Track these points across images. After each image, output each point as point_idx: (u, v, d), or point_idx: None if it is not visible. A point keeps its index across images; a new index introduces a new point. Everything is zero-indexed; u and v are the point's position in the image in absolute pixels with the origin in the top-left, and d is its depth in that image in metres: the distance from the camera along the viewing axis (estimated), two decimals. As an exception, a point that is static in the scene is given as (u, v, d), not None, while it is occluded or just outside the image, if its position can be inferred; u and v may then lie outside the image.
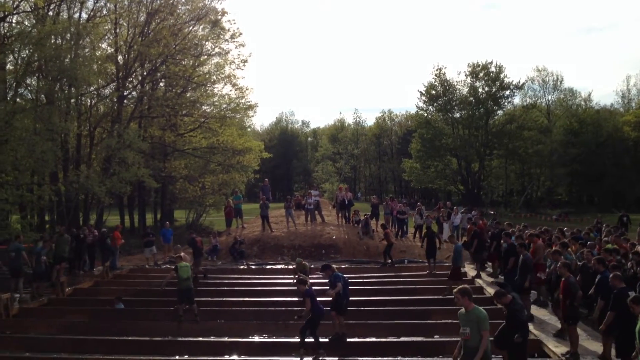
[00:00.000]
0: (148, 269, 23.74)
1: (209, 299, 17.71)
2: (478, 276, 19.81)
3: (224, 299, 17.88)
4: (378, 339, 13.61)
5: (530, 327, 13.53)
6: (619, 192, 66.43)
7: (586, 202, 70.32)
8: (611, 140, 67.47)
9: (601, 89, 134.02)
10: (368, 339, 13.65)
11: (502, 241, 18.36)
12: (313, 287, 13.30)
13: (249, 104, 38.23)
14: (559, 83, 77.44)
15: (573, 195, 73.77)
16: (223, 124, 37.70)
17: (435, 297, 17.43)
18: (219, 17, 35.86)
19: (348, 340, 13.12)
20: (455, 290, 9.14)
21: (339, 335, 12.92)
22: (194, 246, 21.44)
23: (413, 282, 19.91)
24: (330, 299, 13.13)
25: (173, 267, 16.59)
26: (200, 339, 14.03)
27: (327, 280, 13.72)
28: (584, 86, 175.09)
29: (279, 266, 23.79)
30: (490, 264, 21.09)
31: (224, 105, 37.95)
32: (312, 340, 12.45)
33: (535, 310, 14.75)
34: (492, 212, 39.88)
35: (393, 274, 21.53)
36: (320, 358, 12.17)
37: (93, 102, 33.26)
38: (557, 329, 12.85)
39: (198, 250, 21.48)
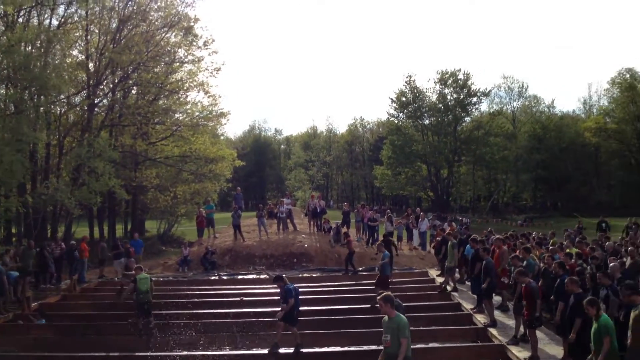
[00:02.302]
0: (117, 281, 23.53)
1: (179, 311, 17.63)
2: (455, 290, 19.27)
3: (195, 311, 17.77)
4: (347, 348, 13.86)
5: (494, 332, 13.99)
6: (581, 197, 68.04)
7: (550, 207, 71.75)
8: (573, 146, 69.16)
9: (564, 95, 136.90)
10: (336, 348, 13.87)
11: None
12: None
13: (221, 111, 38.15)
14: (524, 90, 79.32)
15: (537, 201, 75.34)
16: (195, 132, 37.43)
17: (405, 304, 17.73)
18: (192, 23, 35.61)
19: (317, 350, 13.34)
20: (378, 297, 9.29)
21: (277, 345, 13.03)
22: (128, 256, 21.43)
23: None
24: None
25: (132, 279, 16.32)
26: (171, 353, 13.91)
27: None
28: (548, 93, 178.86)
29: (250, 276, 23.90)
30: (457, 269, 21.45)
31: (197, 113, 37.70)
32: None
33: (498, 315, 15.11)
34: (463, 219, 40.44)
35: (363, 281, 21.76)
36: None
37: (63, 111, 32.87)
38: (520, 334, 13.20)
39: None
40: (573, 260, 15.43)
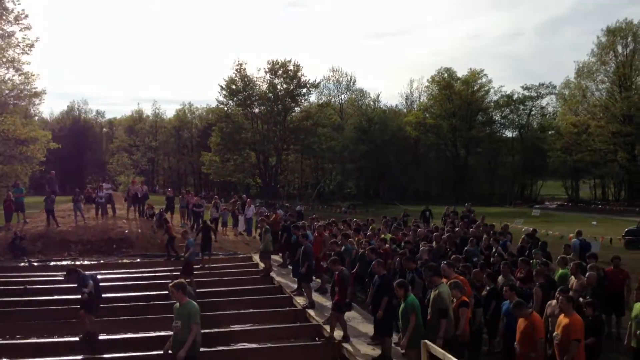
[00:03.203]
0: None
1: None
2: (267, 273, 19.72)
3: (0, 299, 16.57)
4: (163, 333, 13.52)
5: (312, 313, 14.46)
6: (401, 186, 72.83)
7: (372, 195, 75.73)
8: (395, 139, 73.63)
9: (389, 90, 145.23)
10: (155, 333, 13.47)
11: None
12: None
13: (35, 90, 35.68)
14: (351, 84, 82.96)
15: (361, 189, 79.17)
16: (4, 111, 34.62)
17: (225, 288, 17.79)
18: (1, -4, 32.95)
19: (126, 336, 13.14)
20: (170, 284, 9.40)
21: (90, 333, 12.58)
22: None
23: (202, 274, 20.01)
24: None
25: None
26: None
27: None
28: (375, 87, 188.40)
29: (64, 262, 22.52)
30: (280, 254, 21.86)
31: (7, 92, 34.95)
32: None
33: (317, 297, 15.64)
34: (297, 206, 41.07)
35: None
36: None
37: None
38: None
39: None
40: (387, 245, 16.35)
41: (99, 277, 16.16)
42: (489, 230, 19.82)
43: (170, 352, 9.18)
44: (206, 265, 20.81)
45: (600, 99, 62.30)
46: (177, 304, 9.15)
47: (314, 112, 70.42)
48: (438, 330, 9.51)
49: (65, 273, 13.41)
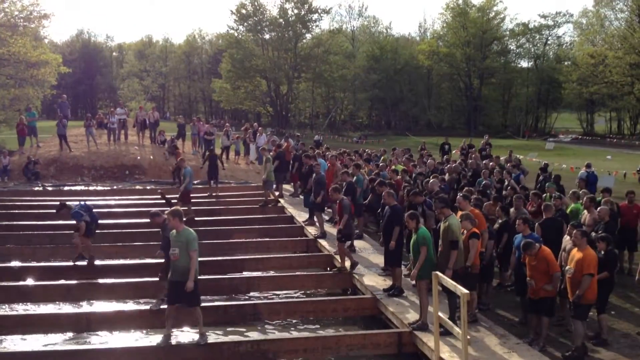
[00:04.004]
0: None
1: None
2: (281, 196, 20.15)
3: (15, 222, 16.85)
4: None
5: (323, 243, 14.56)
6: (413, 116, 72.18)
7: (384, 126, 75.20)
8: (408, 68, 72.32)
9: (402, 18, 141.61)
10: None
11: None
12: None
13: (44, 12, 35.08)
14: (364, 10, 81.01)
15: (372, 119, 78.58)
16: (15, 33, 34.09)
17: (237, 217, 17.91)
18: None
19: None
20: (167, 212, 9.42)
21: (90, 257, 12.88)
22: None
23: (210, 203, 20.16)
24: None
25: None
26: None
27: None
28: (386, 15, 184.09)
29: (78, 187, 22.78)
30: (292, 184, 21.88)
31: (16, 13, 34.35)
32: None
33: (328, 227, 15.68)
34: (316, 136, 40.91)
35: (197, 194, 21.46)
36: None
37: None
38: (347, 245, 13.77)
39: None
40: (399, 177, 16.24)
41: (112, 202, 16.34)
42: (501, 163, 19.66)
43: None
44: (213, 194, 20.88)
45: (618, 29, 60.38)
46: (174, 232, 9.11)
47: (326, 39, 69.06)
48: (448, 261, 9.52)
49: (57, 207, 13.55)
